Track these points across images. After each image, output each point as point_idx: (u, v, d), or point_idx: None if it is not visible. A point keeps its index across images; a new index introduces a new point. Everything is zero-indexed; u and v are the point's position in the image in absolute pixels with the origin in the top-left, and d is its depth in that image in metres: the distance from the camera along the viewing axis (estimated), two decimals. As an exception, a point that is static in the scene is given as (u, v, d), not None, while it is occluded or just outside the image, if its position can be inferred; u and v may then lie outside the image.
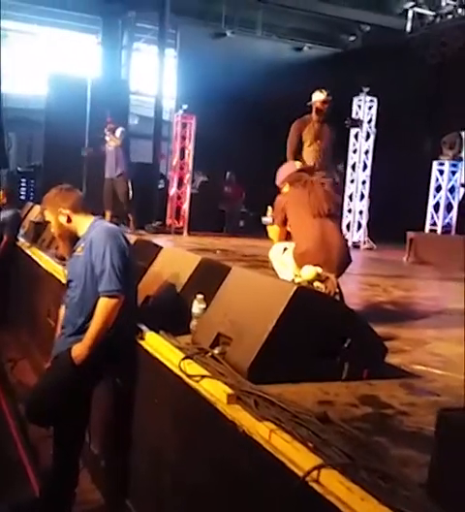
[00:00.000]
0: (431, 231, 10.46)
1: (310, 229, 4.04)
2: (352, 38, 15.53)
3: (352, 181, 11.30)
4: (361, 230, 11.35)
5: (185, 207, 11.72)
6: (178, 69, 14.22)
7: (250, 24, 14.93)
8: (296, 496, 1.84)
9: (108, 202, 9.73)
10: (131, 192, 9.87)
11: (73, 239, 3.31)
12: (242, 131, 12.64)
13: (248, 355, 2.67)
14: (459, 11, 11.95)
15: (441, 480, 1.65)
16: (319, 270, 3.74)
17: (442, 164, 10.54)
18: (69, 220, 3.28)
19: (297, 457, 1.90)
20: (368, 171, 11.28)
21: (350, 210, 11.30)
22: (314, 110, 6.38)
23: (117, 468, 3.49)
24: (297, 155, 6.23)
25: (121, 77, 15.73)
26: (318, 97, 6.46)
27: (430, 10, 12.84)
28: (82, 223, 3.29)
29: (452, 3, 12.27)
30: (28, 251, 6.65)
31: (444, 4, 12.53)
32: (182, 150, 11.70)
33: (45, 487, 3.46)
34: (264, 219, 4.46)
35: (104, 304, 3.06)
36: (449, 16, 12.22)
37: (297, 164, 4.54)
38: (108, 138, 9.73)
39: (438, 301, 5.70)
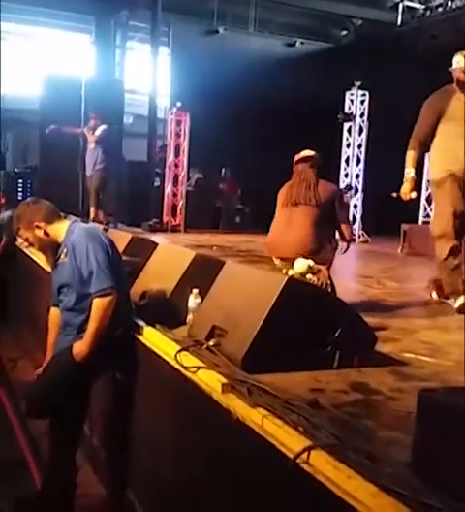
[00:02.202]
0: (424, 223, 10.56)
1: (277, 218, 4.27)
2: (344, 32, 15.61)
3: (346, 175, 11.40)
4: (356, 223, 11.46)
5: (181, 204, 11.82)
6: (172, 66, 14.27)
7: (242, 20, 14.98)
8: (288, 476, 1.94)
9: (91, 199, 9.62)
10: (101, 191, 9.65)
11: (54, 248, 3.31)
12: (237, 127, 12.72)
13: (242, 346, 2.76)
14: (449, 3, 12.01)
15: (423, 456, 1.74)
16: (311, 262, 3.84)
17: (434, 156, 10.61)
18: (46, 233, 3.28)
19: (288, 440, 1.99)
20: (362, 164, 11.38)
21: (344, 204, 11.41)
22: (455, 81, 4.66)
23: (118, 461, 3.59)
24: (429, 142, 4.71)
25: (115, 76, 15.80)
26: (458, 63, 4.64)
27: (420, 3, 12.92)
28: (59, 230, 3.30)
29: (443, -5, 12.36)
30: (27, 251, 6.72)
31: (434, -4, 12.64)
32: (177, 148, 11.79)
33: (45, 482, 3.54)
34: None
35: (98, 304, 3.11)
36: (440, 9, 12.29)
37: (305, 153, 4.41)
38: (87, 135, 9.64)
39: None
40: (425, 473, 1.70)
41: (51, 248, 3.34)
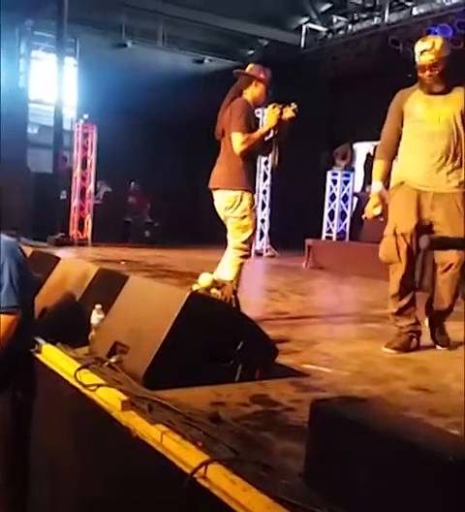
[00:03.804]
0: (327, 238, 10.95)
1: None
2: (251, 52, 15.89)
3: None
4: (264, 238, 11.69)
5: (88, 217, 11.60)
6: (78, 78, 13.99)
7: (151, 35, 14.93)
8: (186, 493, 1.93)
9: None
10: None
11: None
12: (145, 140, 12.66)
13: (144, 362, 2.74)
14: (350, 27, 12.55)
15: (314, 466, 1.80)
16: (215, 277, 3.88)
17: (335, 174, 11.07)
18: None
19: (187, 456, 1.99)
20: (268, 180, 11.64)
21: (252, 219, 11.59)
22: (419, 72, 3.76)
23: (16, 485, 3.44)
24: (395, 148, 3.90)
25: (19, 85, 15.28)
26: (418, 48, 3.74)
27: (323, 26, 13.40)
28: None
29: (344, 20, 12.87)
30: None
31: (335, 20, 13.13)
32: (84, 160, 11.58)
33: None
34: None
35: (2, 321, 3.03)
36: (341, 32, 12.82)
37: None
38: None
39: (331, 303, 6.01)
40: (316, 483, 1.76)
41: None
